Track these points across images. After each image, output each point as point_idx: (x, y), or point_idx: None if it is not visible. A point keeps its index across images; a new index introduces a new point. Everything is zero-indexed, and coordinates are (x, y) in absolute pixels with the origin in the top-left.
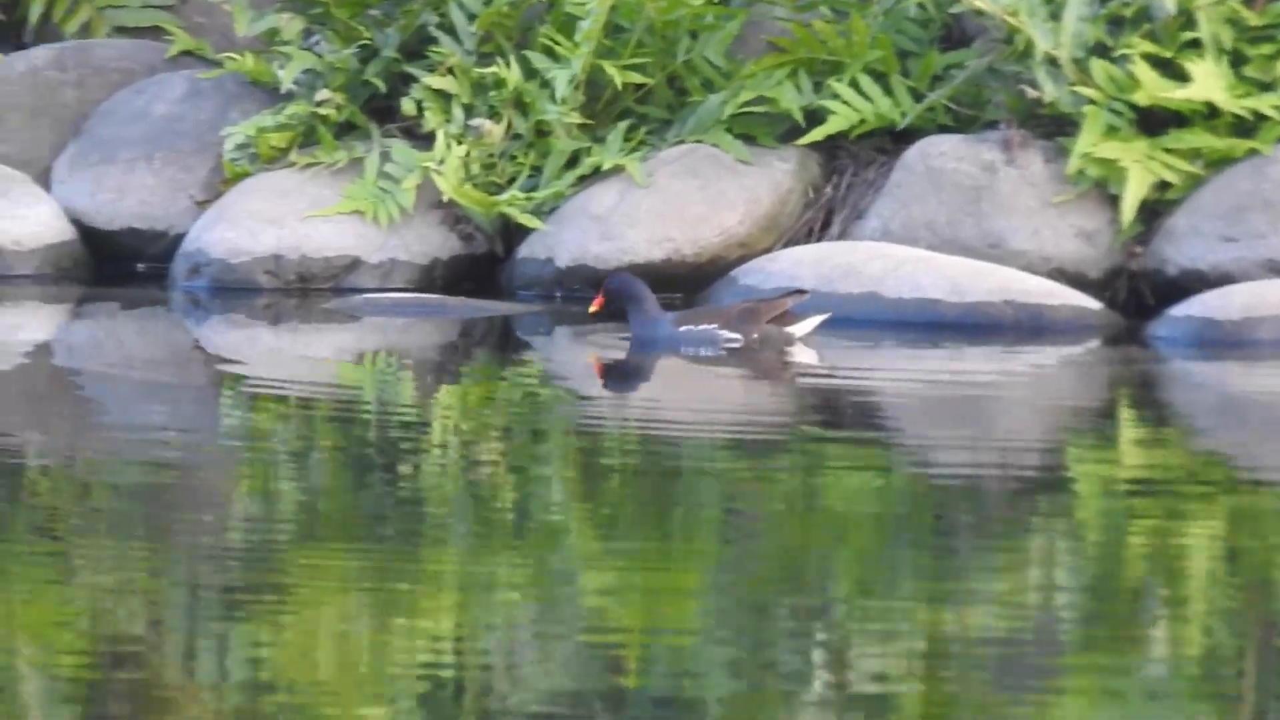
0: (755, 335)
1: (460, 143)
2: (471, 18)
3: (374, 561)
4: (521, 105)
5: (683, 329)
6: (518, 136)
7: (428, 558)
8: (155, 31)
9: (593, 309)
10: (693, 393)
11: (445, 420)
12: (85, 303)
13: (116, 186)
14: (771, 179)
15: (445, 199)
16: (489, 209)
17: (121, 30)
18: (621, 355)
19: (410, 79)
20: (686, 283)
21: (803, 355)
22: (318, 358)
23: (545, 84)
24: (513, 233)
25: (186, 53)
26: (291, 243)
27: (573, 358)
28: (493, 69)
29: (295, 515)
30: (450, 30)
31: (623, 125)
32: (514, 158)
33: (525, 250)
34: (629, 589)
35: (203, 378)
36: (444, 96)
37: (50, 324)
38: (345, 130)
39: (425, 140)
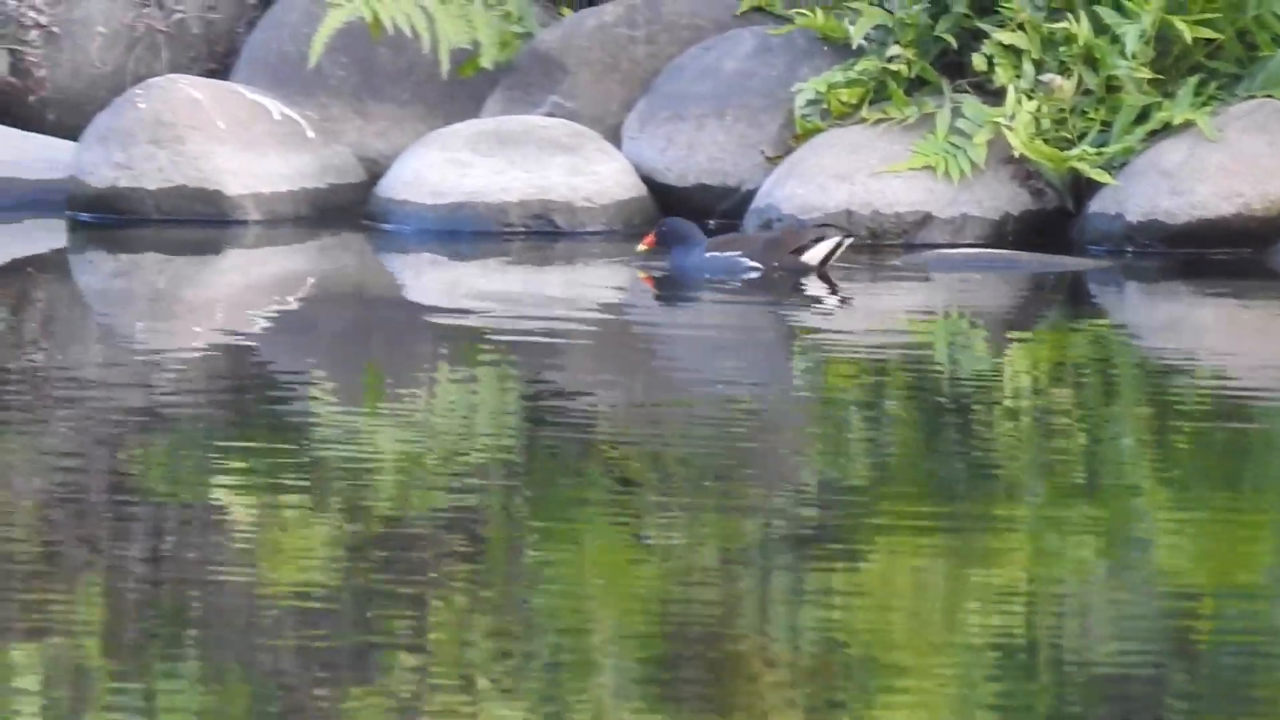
0: (775, 264)
1: (1030, 98)
2: None
3: (946, 518)
4: (1091, 61)
5: (709, 255)
6: (1088, 92)
7: (999, 513)
8: None
9: (642, 247)
10: (1267, 350)
11: (1017, 376)
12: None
13: (687, 143)
14: None
15: (1016, 154)
16: (1060, 164)
17: None
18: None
19: (980, 34)
20: (1256, 238)
21: (818, 284)
22: (890, 313)
23: (1115, 39)
24: (1083, 188)
25: (756, 9)
26: (863, 198)
27: (1144, 314)
28: (1063, 24)
29: (868, 470)
30: None
31: (1193, 80)
32: (1084, 113)
33: (1095, 205)
34: (1200, 548)
35: (776, 334)
36: (1014, 52)
37: (621, 281)
38: (915, 86)
39: (995, 96)
